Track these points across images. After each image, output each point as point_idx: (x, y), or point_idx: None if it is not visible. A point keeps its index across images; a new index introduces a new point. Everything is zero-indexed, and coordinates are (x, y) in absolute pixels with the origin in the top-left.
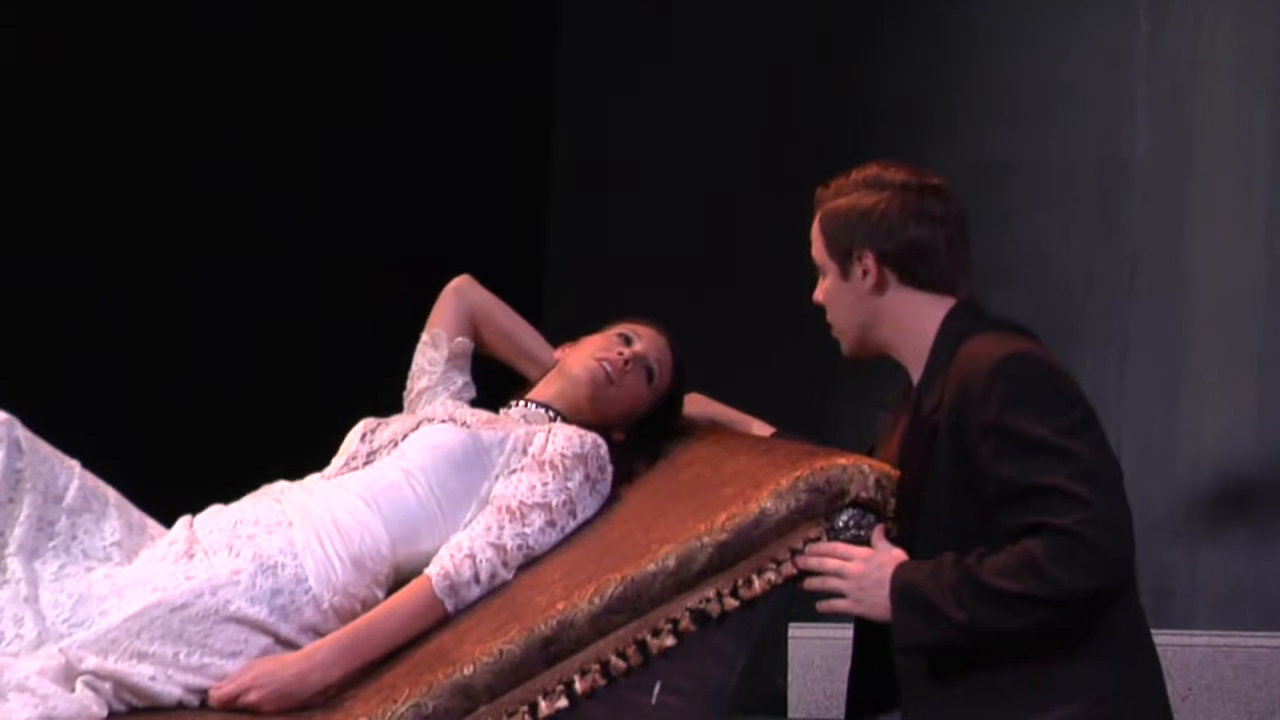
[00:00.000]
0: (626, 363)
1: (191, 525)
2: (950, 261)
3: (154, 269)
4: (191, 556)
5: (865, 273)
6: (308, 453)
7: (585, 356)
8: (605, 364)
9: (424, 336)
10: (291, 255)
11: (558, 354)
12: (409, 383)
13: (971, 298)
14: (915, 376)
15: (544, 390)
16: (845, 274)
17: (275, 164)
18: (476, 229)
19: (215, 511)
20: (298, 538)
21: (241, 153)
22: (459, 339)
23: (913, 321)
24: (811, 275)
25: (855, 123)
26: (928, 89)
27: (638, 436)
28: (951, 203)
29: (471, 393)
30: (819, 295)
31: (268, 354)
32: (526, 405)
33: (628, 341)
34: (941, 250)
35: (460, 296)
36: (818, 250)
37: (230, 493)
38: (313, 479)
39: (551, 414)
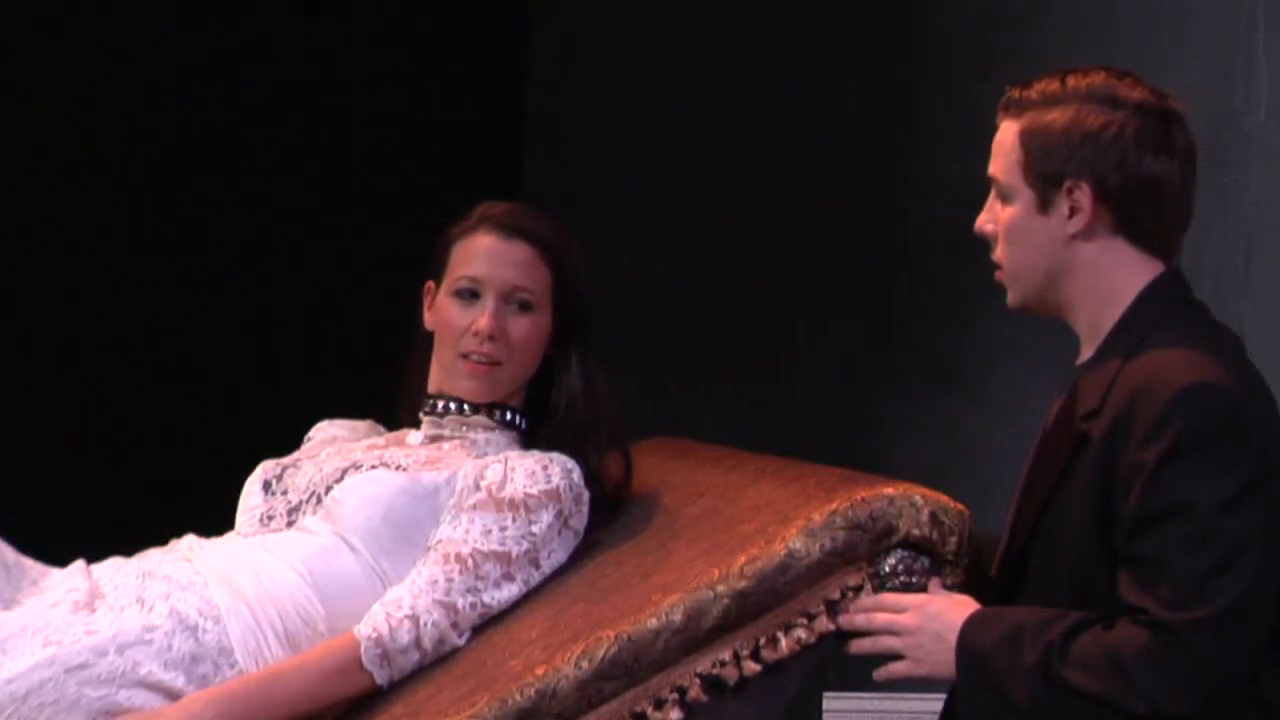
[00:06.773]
0: (490, 339)
1: (90, 574)
2: (1180, 211)
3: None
4: (94, 610)
5: (1074, 210)
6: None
7: (449, 355)
8: (474, 359)
9: None
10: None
11: (428, 319)
12: None
13: (1180, 268)
14: (1085, 352)
15: (457, 384)
16: (1044, 205)
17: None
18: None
19: (118, 564)
20: (219, 599)
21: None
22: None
23: (1112, 282)
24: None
25: (914, 45)
26: (1001, 11)
27: (566, 347)
28: (1189, 134)
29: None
30: (987, 224)
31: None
32: (461, 413)
33: (473, 296)
34: (1176, 195)
35: None
36: (1007, 168)
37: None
38: (229, 538)
39: (501, 414)
